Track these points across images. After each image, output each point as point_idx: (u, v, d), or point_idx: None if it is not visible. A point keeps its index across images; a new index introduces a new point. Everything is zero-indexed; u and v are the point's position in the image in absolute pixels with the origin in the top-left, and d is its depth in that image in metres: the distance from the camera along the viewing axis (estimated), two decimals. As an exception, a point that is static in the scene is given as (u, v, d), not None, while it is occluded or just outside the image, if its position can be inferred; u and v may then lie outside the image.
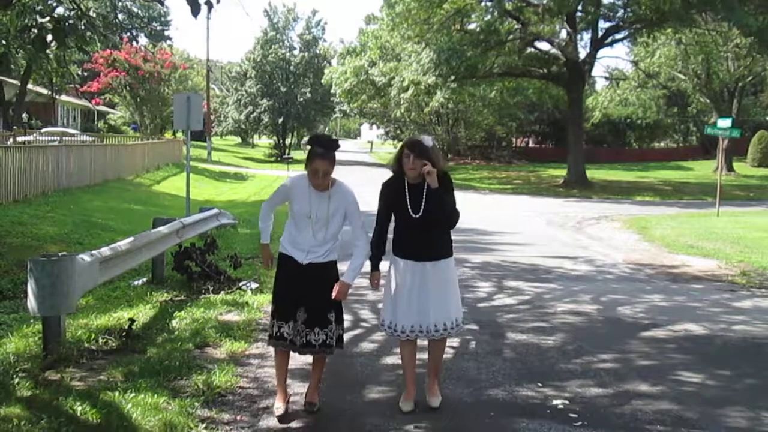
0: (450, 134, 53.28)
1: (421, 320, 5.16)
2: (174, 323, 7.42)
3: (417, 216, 5.09)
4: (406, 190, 5.15)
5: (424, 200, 5.08)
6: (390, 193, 5.22)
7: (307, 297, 5.04)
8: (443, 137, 49.80)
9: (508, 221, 19.95)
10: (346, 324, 7.88)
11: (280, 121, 61.26)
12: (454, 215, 5.13)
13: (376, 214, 5.30)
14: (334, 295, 4.98)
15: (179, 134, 48.85)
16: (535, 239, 15.85)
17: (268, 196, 5.35)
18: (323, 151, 4.90)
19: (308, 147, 4.99)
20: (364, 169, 44.99)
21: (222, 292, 9.00)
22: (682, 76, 46.67)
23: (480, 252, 13.52)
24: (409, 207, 5.12)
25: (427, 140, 5.12)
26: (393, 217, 5.26)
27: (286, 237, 5.15)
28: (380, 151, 71.81)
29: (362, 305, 8.77)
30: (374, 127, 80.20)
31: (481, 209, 22.70)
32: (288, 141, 65.82)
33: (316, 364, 5.31)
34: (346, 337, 7.36)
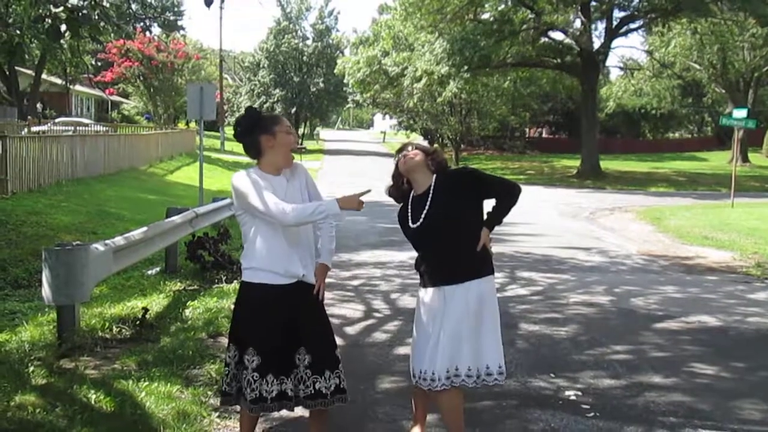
0: (463, 124, 53.01)
1: (450, 361, 4.04)
2: (187, 312, 7.46)
3: (415, 226, 4.16)
4: (410, 201, 4.28)
5: (426, 206, 4.15)
6: (400, 215, 4.33)
7: (306, 331, 3.93)
8: (456, 127, 49.58)
9: (521, 212, 19.80)
10: (358, 314, 7.99)
11: (293, 111, 61.24)
12: (514, 189, 4.22)
13: None
14: (317, 288, 4.00)
15: (192, 124, 48.96)
16: (549, 230, 15.80)
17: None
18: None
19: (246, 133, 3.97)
20: (377, 160, 44.93)
21: (235, 281, 9.01)
22: (697, 66, 46.31)
23: (492, 243, 13.48)
24: (409, 219, 4.22)
25: (419, 143, 4.47)
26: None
27: (261, 256, 3.89)
28: (393, 142, 71.62)
29: (375, 295, 8.77)
30: (387, 117, 79.97)
31: (493, 200, 22.63)
32: (301, 131, 65.82)
33: (318, 420, 4.12)
34: (359, 327, 7.43)
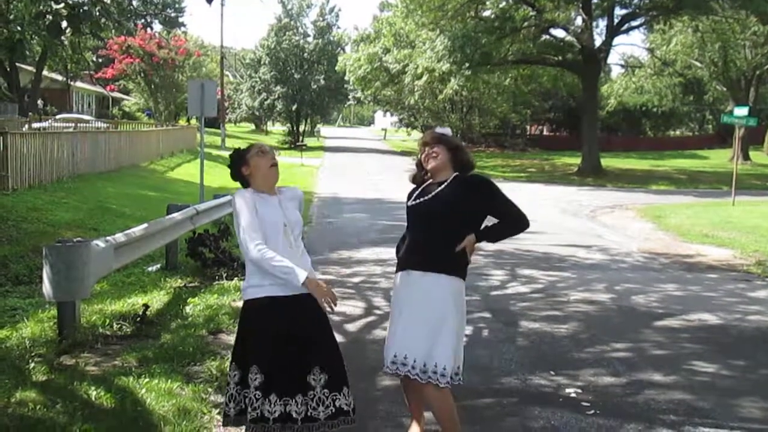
0: (464, 122, 53.09)
1: (398, 348, 4.07)
2: (188, 309, 7.46)
3: (411, 204, 4.24)
4: (422, 187, 4.30)
5: (432, 193, 4.16)
6: (408, 196, 4.35)
7: (317, 348, 3.83)
8: (457, 125, 49.65)
9: (519, 207, 19.89)
10: (359, 311, 8.01)
11: (294, 108, 61.17)
12: (522, 221, 4.25)
13: None
14: (322, 293, 3.82)
15: (193, 121, 48.94)
16: (549, 227, 15.79)
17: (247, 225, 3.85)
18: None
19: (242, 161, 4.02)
20: (378, 157, 44.93)
21: (235, 278, 9.02)
22: (698, 64, 46.23)
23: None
24: (412, 199, 4.26)
25: (443, 128, 4.43)
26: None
27: (259, 272, 3.84)
28: (394, 139, 71.63)
29: (375, 292, 8.79)
30: (388, 114, 79.96)
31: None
32: (302, 128, 65.79)
33: None
34: (360, 324, 7.45)
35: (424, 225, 4.14)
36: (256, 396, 3.76)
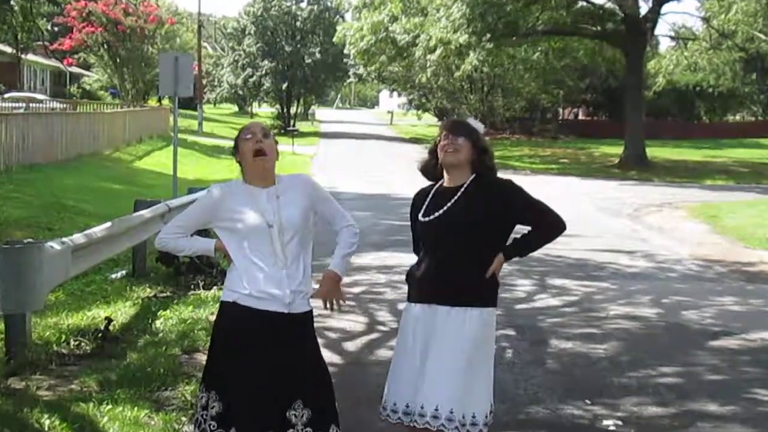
0: (485, 104, 53.04)
1: (421, 398, 3.98)
2: (158, 324, 7.47)
3: (424, 219, 4.14)
4: (433, 190, 4.23)
5: (451, 202, 4.08)
6: (417, 201, 4.29)
7: (300, 379, 3.80)
8: (477, 107, 49.64)
9: (552, 208, 19.87)
10: (360, 327, 8.00)
11: (284, 86, 61.18)
12: (559, 224, 4.21)
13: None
14: (323, 293, 3.98)
15: (165, 101, 48.97)
16: (585, 229, 15.74)
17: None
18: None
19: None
20: (383, 144, 44.96)
21: (215, 287, 9.03)
22: (763, 36, 46.09)
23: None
24: (423, 209, 4.17)
25: (475, 122, 4.33)
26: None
27: (235, 275, 3.90)
28: (402, 123, 71.59)
29: (379, 305, 8.80)
30: (395, 94, 79.90)
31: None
32: (293, 110, 65.81)
33: None
34: (361, 342, 7.45)
35: (443, 245, 4.07)
36: (211, 427, 3.73)
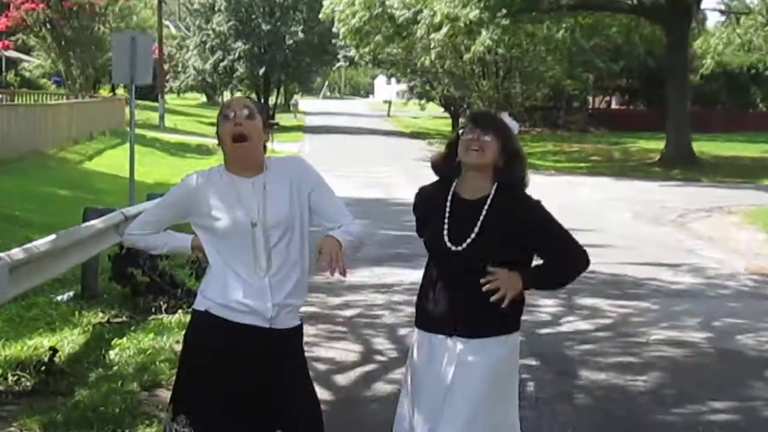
0: (500, 91, 53.04)
1: None
2: (112, 354, 7.46)
3: (458, 249, 4.06)
4: (449, 201, 4.15)
5: (479, 224, 4.05)
6: (424, 206, 4.29)
7: (283, 407, 3.82)
8: (490, 95, 49.65)
9: (580, 213, 19.85)
10: (353, 357, 7.97)
11: (261, 72, 61.30)
12: (581, 259, 4.26)
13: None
14: (331, 260, 3.72)
15: (120, 91, 48.99)
16: (620, 239, 15.77)
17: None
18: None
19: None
20: (379, 140, 44.92)
21: (180, 310, 9.02)
22: (830, 9, 46.28)
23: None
24: (445, 230, 4.11)
25: (509, 119, 4.25)
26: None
27: (210, 279, 3.92)
28: (401, 115, 71.67)
29: (376, 330, 8.77)
30: (393, 81, 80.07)
31: (543, 197, 22.58)
32: (272, 100, 65.90)
33: None
34: (354, 375, 7.42)
35: (472, 276, 4.01)
36: None
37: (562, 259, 4.19)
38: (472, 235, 4.01)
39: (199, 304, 3.88)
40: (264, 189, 3.79)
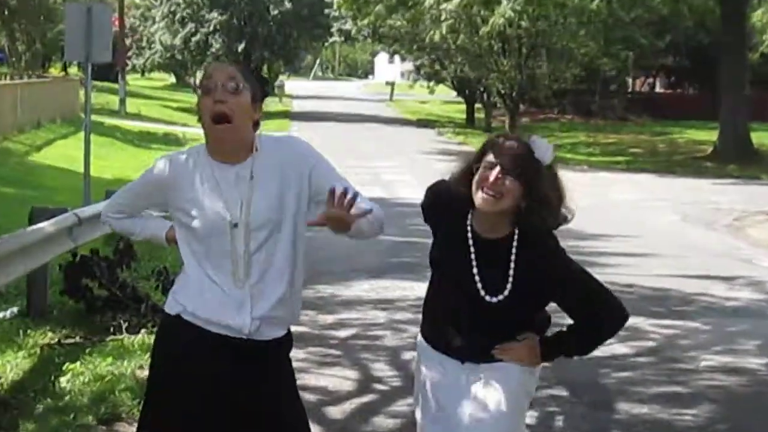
0: (523, 72, 53.02)
1: None
2: (64, 382, 7.45)
3: (492, 301, 4.14)
4: (470, 235, 4.19)
5: (511, 278, 4.12)
6: (440, 213, 4.31)
7: (265, 427, 3.85)
8: (512, 76, 49.62)
9: (618, 216, 19.89)
10: (348, 385, 7.96)
11: (241, 48, 61.37)
12: (617, 314, 4.45)
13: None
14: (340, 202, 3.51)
15: (73, 70, 49.03)
16: (665, 247, 15.79)
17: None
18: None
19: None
20: (380, 129, 44.95)
21: (143, 330, 9.02)
22: None
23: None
24: (476, 276, 4.17)
25: (542, 147, 4.11)
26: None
27: (183, 284, 3.92)
28: (407, 99, 71.71)
29: (375, 354, 8.78)
30: (397, 59, 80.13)
31: (574, 196, 22.63)
32: (253, 81, 65.97)
33: None
34: (350, 407, 7.41)
35: (499, 324, 4.18)
36: None
37: (590, 320, 4.28)
38: (508, 288, 4.09)
39: (170, 307, 3.87)
40: (250, 180, 3.69)
